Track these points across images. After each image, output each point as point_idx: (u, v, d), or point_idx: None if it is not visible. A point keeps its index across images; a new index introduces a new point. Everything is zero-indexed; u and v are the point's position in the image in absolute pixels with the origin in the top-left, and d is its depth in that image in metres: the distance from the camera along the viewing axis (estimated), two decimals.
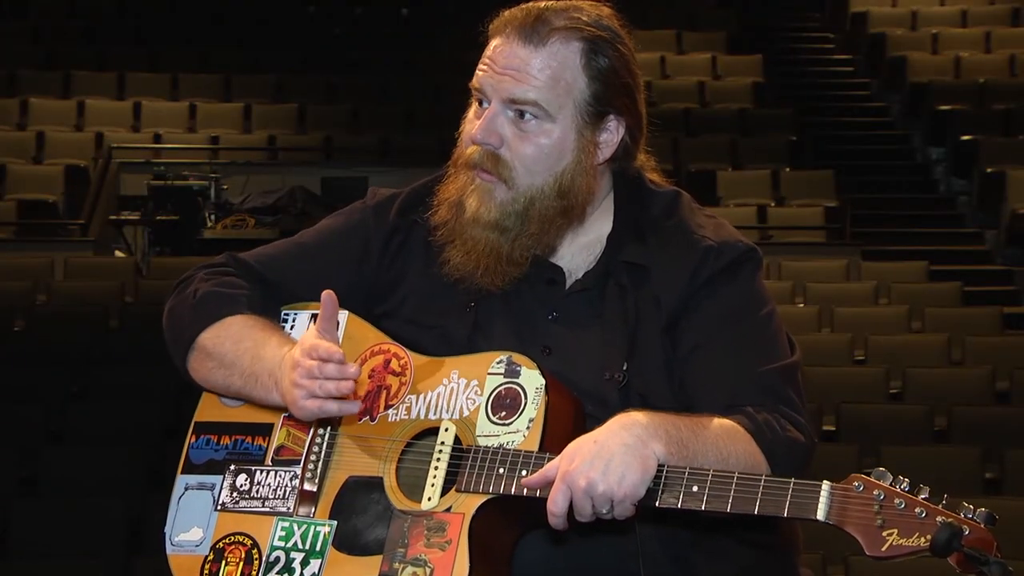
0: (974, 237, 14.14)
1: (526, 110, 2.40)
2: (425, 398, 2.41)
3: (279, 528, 2.42)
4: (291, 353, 2.37)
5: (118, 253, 13.63)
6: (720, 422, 2.27)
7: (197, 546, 2.47)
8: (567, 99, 2.40)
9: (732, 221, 2.60)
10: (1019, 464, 7.95)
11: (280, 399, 2.40)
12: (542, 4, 2.45)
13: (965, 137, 14.63)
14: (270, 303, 2.55)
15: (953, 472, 7.65)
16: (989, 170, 13.97)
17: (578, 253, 2.48)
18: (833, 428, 8.57)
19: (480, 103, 2.45)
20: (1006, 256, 13.61)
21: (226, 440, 2.53)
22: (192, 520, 2.49)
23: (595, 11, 2.45)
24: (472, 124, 2.45)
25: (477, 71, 2.45)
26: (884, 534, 2.07)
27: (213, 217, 13.64)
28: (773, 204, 13.95)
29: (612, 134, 2.45)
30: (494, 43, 2.44)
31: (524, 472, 2.26)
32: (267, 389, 2.42)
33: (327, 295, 2.39)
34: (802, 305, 11.03)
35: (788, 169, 14.44)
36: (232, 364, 2.46)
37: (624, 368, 2.38)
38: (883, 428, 8.44)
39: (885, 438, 8.09)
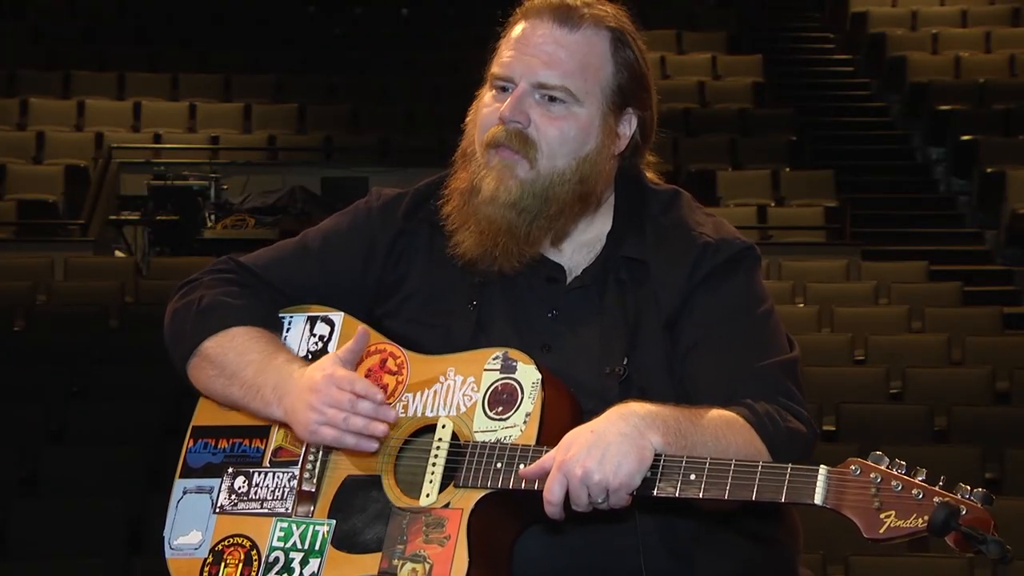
0: (974, 237, 14.13)
1: (555, 94, 2.40)
2: (422, 396, 2.41)
3: (278, 528, 2.42)
4: (309, 374, 2.37)
5: (118, 253, 13.63)
6: (720, 413, 2.27)
7: (196, 549, 2.47)
8: (595, 85, 2.41)
9: (732, 221, 2.61)
10: (1019, 464, 7.95)
11: (281, 414, 2.41)
12: None
13: (965, 137, 14.62)
14: (273, 310, 2.55)
15: (953, 472, 7.51)
16: (989, 170, 13.96)
17: (578, 251, 2.49)
18: (833, 428, 8.56)
19: (503, 89, 2.43)
20: (1006, 256, 13.59)
21: (223, 443, 2.53)
22: (191, 523, 2.50)
23: (611, 8, 2.47)
24: (491, 108, 2.43)
25: (502, 56, 2.43)
26: (882, 516, 2.07)
27: (213, 217, 13.63)
28: (773, 204, 13.94)
29: (627, 127, 2.47)
30: (522, 27, 2.44)
31: (522, 466, 2.26)
32: (267, 403, 2.42)
33: (363, 331, 2.40)
34: (802, 305, 11.02)
35: (788, 169, 14.43)
36: (234, 374, 2.46)
37: (624, 363, 2.38)
38: (883, 428, 8.43)
39: (885, 438, 8.07)
